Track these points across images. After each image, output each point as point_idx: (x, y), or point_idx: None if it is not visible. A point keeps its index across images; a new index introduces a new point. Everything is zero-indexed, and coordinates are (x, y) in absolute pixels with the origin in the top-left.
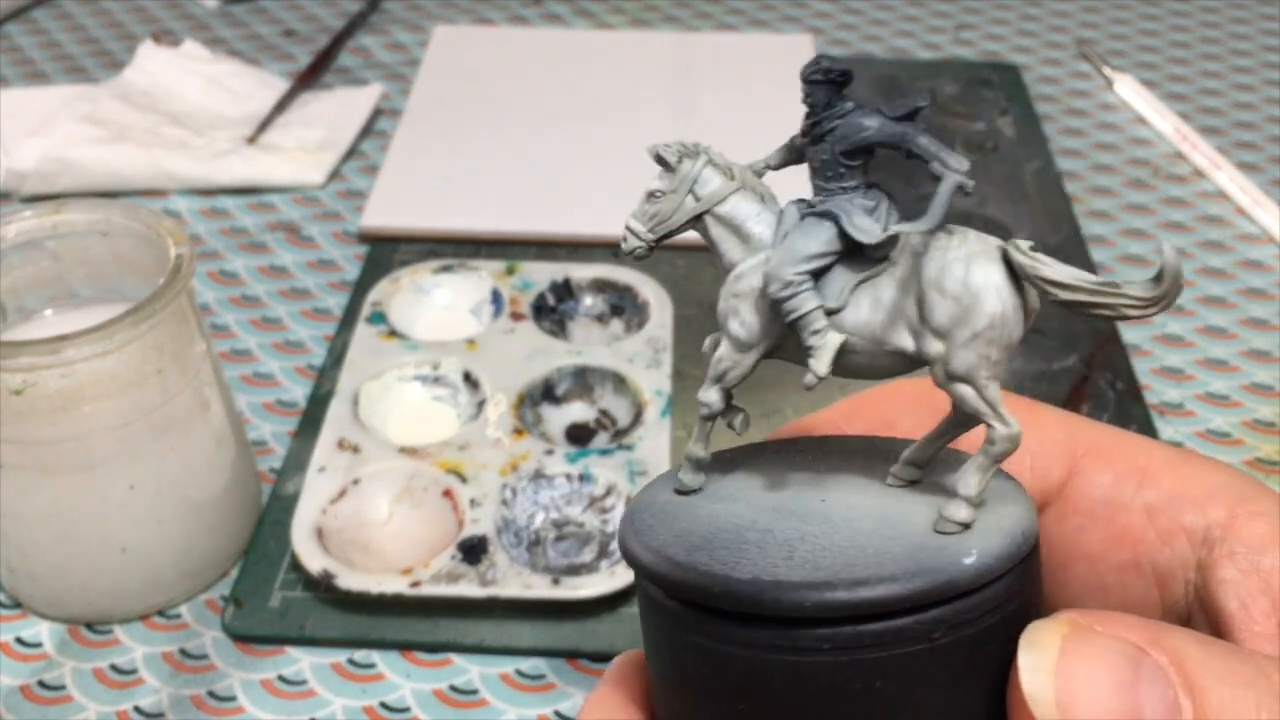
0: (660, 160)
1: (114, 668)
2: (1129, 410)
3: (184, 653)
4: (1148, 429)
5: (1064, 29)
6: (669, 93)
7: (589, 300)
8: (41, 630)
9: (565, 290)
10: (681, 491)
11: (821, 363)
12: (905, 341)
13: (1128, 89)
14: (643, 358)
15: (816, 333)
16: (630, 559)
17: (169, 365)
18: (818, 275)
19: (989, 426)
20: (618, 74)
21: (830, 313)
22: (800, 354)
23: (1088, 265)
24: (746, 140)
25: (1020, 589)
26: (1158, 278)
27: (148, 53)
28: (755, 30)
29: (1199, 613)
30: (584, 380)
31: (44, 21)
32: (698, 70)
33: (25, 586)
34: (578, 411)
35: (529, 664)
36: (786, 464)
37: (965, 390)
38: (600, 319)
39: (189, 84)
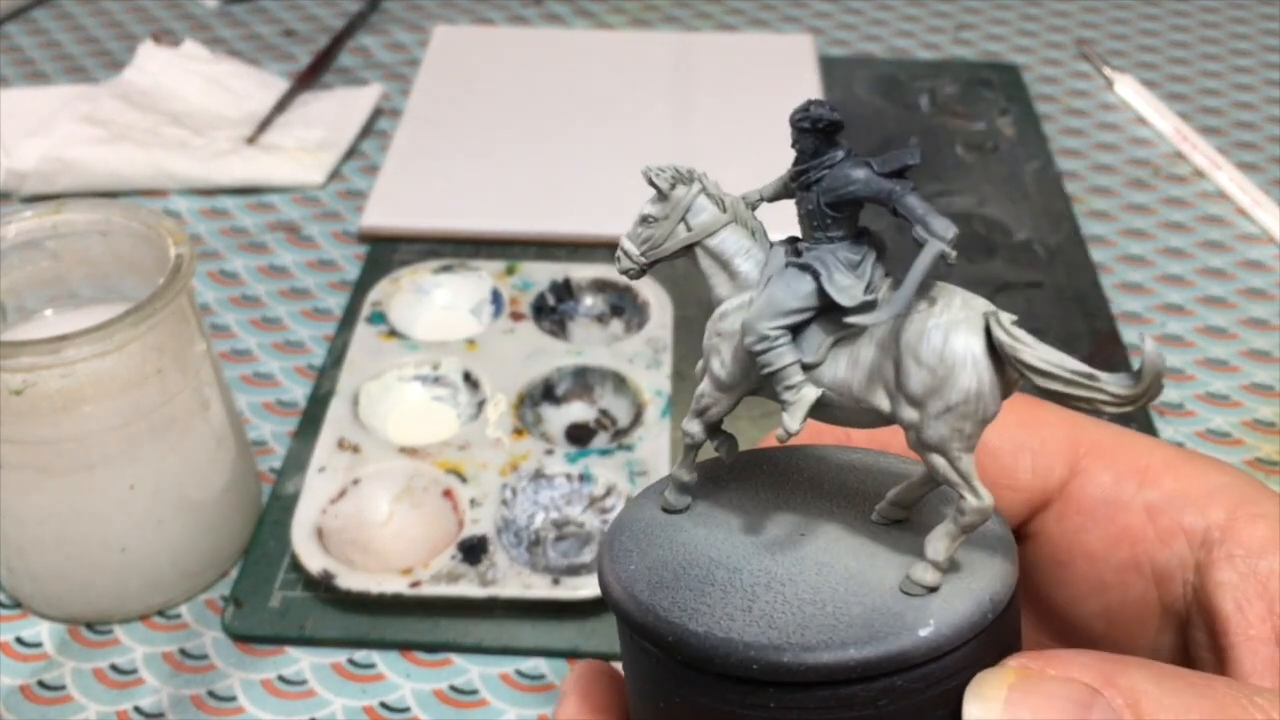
0: (653, 185)
1: (114, 668)
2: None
3: (184, 653)
4: (1148, 429)
5: (1064, 29)
6: (669, 93)
7: (589, 300)
8: (41, 630)
9: (565, 290)
10: (668, 510)
11: (794, 420)
12: (882, 402)
13: (1128, 89)
14: (643, 358)
15: (790, 388)
16: (602, 585)
17: (169, 365)
18: (796, 329)
19: (960, 497)
20: (618, 74)
21: (808, 367)
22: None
23: (1088, 265)
24: (746, 140)
25: (980, 656)
26: (1138, 374)
27: (148, 53)
28: (755, 30)
29: (1196, 613)
30: (584, 380)
31: (44, 21)
32: (698, 70)
33: (25, 586)
34: (578, 411)
35: (529, 664)
36: (778, 485)
37: (937, 460)
38: (600, 319)
39: (189, 84)
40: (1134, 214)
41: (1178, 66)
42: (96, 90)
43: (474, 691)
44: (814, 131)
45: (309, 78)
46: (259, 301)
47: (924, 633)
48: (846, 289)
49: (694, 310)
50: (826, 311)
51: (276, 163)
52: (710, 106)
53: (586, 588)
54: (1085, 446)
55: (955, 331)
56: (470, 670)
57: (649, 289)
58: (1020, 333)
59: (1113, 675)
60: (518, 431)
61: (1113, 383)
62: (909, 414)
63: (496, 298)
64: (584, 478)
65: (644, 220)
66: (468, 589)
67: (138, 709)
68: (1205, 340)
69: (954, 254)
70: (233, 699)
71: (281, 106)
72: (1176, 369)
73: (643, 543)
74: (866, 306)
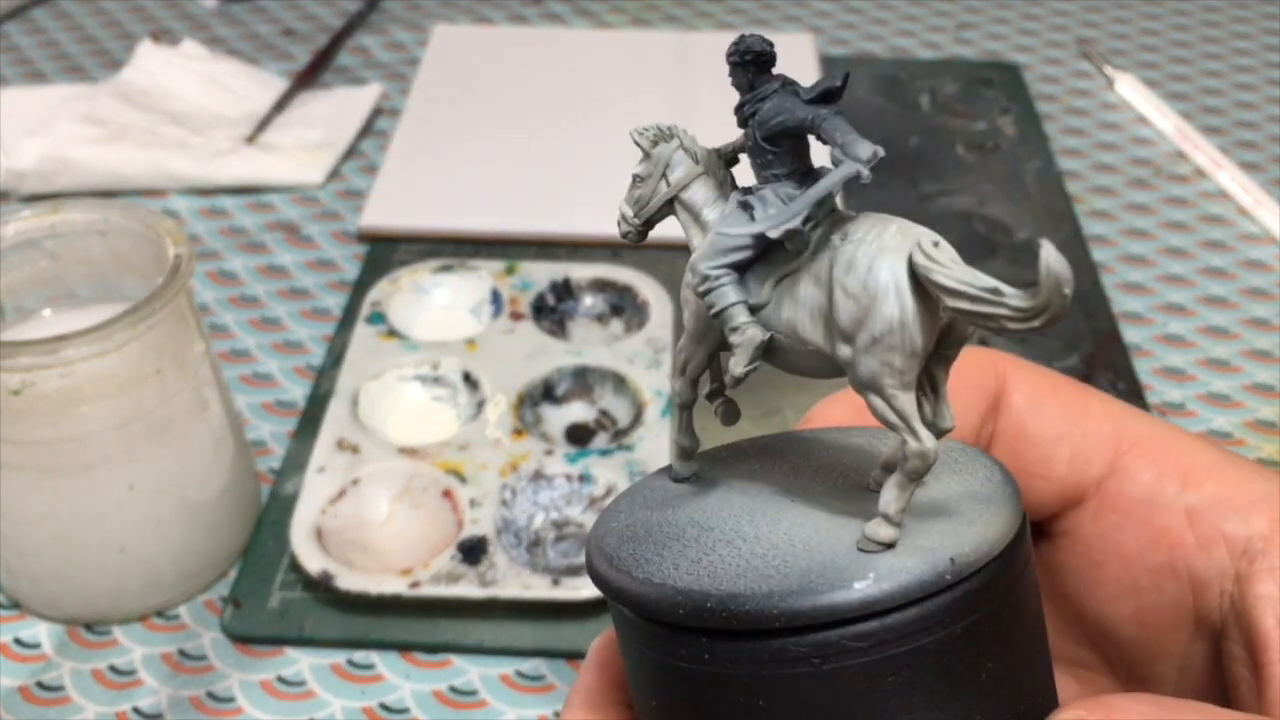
0: (637, 144)
1: (113, 669)
2: None
3: (183, 653)
4: None
5: (1065, 28)
6: (669, 92)
7: (589, 300)
8: (40, 631)
9: (565, 290)
10: (675, 479)
11: (739, 363)
12: (825, 342)
13: (1129, 88)
14: (643, 358)
15: (735, 329)
16: (588, 545)
17: (168, 365)
18: (742, 268)
19: (903, 441)
20: (617, 73)
21: (755, 309)
22: None
23: (1088, 265)
24: None
25: (941, 621)
26: (1036, 286)
27: (146, 52)
28: (756, 30)
29: (1233, 625)
30: (584, 380)
31: (43, 21)
32: (698, 70)
33: (24, 587)
34: (577, 412)
35: (529, 665)
36: (782, 459)
37: (874, 400)
38: (600, 319)
39: (188, 83)
40: (1135, 214)
41: (1179, 66)
42: (95, 90)
43: (474, 692)
44: (744, 65)
45: (308, 77)
46: (258, 301)
47: (859, 585)
48: (771, 217)
49: None
50: (768, 251)
51: (275, 162)
52: (710, 106)
53: (586, 588)
54: (1128, 442)
55: (880, 259)
56: (470, 671)
57: (649, 289)
58: (941, 254)
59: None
60: (517, 432)
61: (1014, 297)
62: (844, 350)
63: (496, 297)
64: (584, 478)
65: (634, 180)
66: (467, 589)
67: (137, 710)
68: (1206, 340)
69: (868, 175)
70: (231, 700)
71: (280, 106)
72: (1177, 369)
73: (636, 504)
74: (790, 236)
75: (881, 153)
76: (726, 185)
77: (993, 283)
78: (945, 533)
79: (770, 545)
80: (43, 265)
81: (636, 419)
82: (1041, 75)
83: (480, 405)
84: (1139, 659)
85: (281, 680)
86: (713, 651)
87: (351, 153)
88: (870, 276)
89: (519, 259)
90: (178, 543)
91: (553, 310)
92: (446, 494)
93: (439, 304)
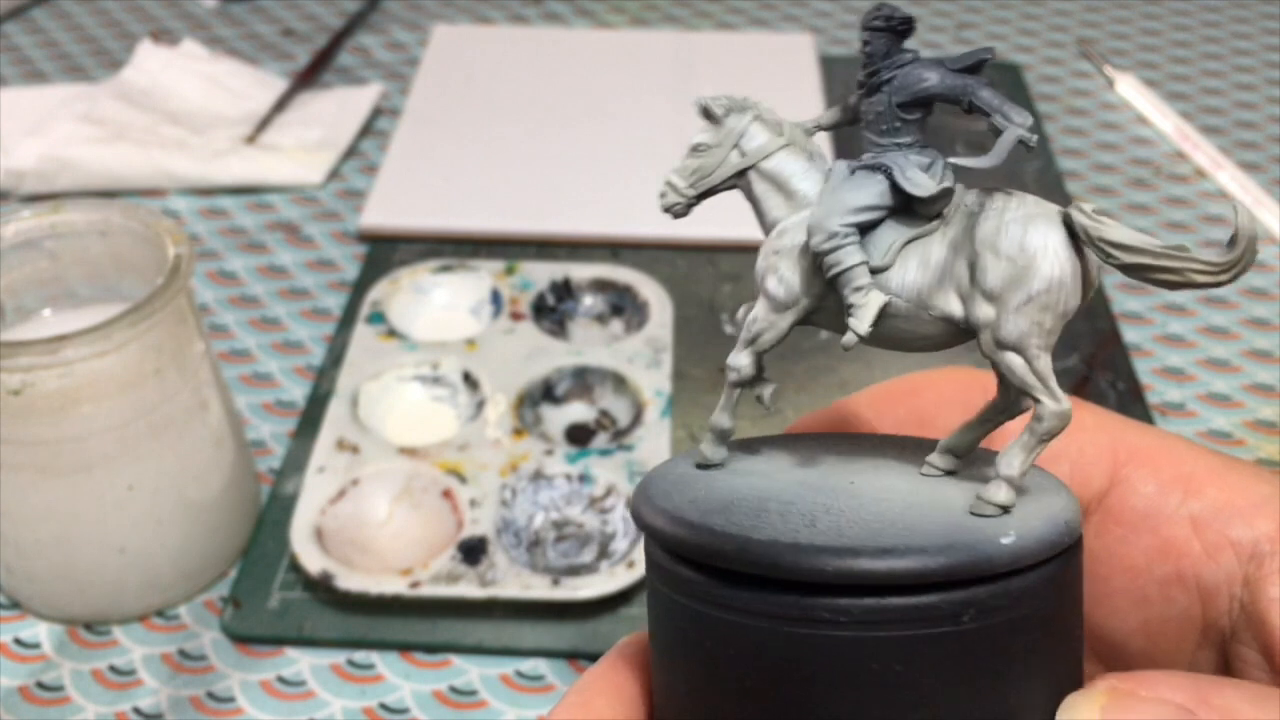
0: (707, 113)
1: (113, 669)
2: (1130, 411)
3: (183, 653)
4: None
5: (1065, 28)
6: (669, 92)
7: (589, 300)
8: (40, 631)
9: (565, 290)
10: (702, 465)
11: (863, 322)
12: (953, 306)
13: (1129, 88)
14: (643, 358)
15: (859, 289)
16: (639, 521)
17: (167, 365)
18: (864, 230)
19: (1036, 402)
20: (618, 73)
21: (874, 271)
22: (838, 319)
23: None
24: None
25: (1059, 584)
26: (1231, 242)
27: (146, 52)
28: (755, 29)
29: (1245, 630)
30: (584, 380)
31: (42, 21)
32: (698, 69)
33: (24, 587)
34: (577, 412)
35: (529, 665)
36: (815, 447)
37: (1014, 360)
38: (600, 319)
39: (188, 83)
40: (1135, 213)
41: (1179, 66)
42: (95, 89)
43: (473, 692)
44: (888, 30)
45: (308, 77)
46: (258, 301)
47: (1006, 541)
48: (921, 183)
49: (694, 310)
50: (896, 213)
51: (275, 162)
52: None
53: (586, 589)
54: (1125, 453)
55: (1034, 223)
56: (470, 671)
57: (649, 289)
58: (1104, 216)
59: (1207, 695)
60: (517, 432)
61: (1206, 252)
62: (985, 311)
63: (496, 297)
64: (584, 478)
65: (695, 150)
66: (467, 590)
67: (136, 710)
68: (1207, 340)
69: (1034, 137)
70: (231, 700)
71: (280, 106)
72: (1177, 369)
73: (680, 487)
74: (943, 196)
75: (1032, 119)
76: (818, 157)
77: (1173, 243)
78: (1046, 502)
79: (877, 513)
80: (43, 265)
81: (636, 419)
82: (1041, 75)
83: (480, 405)
84: (1145, 669)
85: (281, 680)
86: (854, 612)
87: (351, 153)
88: (1027, 238)
89: (519, 259)
90: (177, 543)
91: (553, 310)
92: (446, 494)
93: (439, 304)
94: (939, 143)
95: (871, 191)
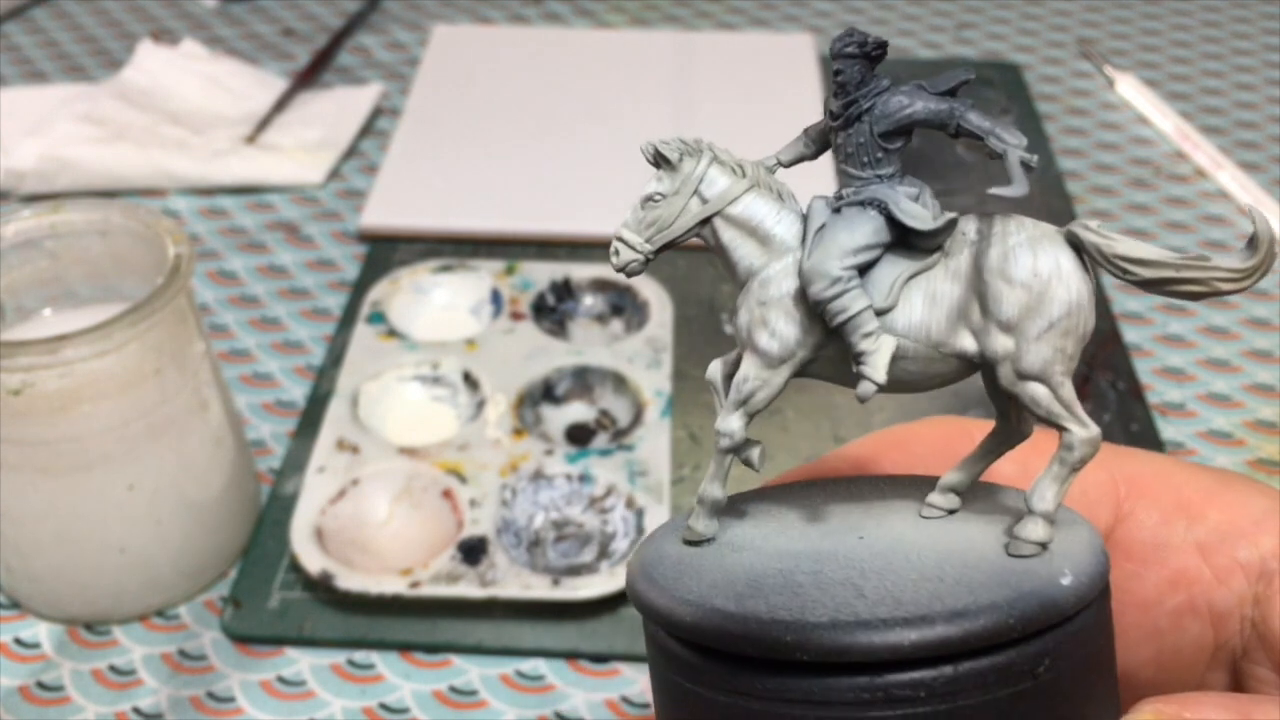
0: (659, 159)
1: (113, 668)
2: (1130, 410)
3: (183, 653)
4: (1149, 429)
5: (1065, 28)
6: (669, 92)
7: (589, 300)
8: (40, 631)
9: (565, 290)
10: (691, 542)
11: (878, 370)
12: (965, 342)
13: (1129, 88)
14: (643, 358)
15: (868, 335)
16: (653, 613)
17: (167, 365)
18: (862, 271)
19: (1064, 430)
20: (617, 73)
21: (880, 313)
22: (837, 368)
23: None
24: (747, 140)
25: (1106, 615)
26: (1251, 245)
27: (146, 52)
28: (755, 29)
29: (1257, 649)
30: (584, 380)
31: (42, 20)
32: (698, 70)
33: (24, 587)
34: (577, 411)
35: (529, 665)
36: (796, 501)
37: (1038, 390)
38: (600, 319)
39: (188, 83)
40: (1135, 213)
41: (1179, 66)
42: (95, 89)
43: (473, 692)
44: (862, 56)
45: (308, 77)
46: (258, 301)
47: (1066, 581)
48: (920, 216)
49: (694, 310)
50: (893, 249)
51: (276, 162)
52: (710, 106)
53: (586, 588)
54: (1124, 485)
55: (1041, 246)
56: (470, 671)
57: (649, 289)
58: (1110, 231)
59: (1250, 712)
60: (517, 432)
61: (1227, 258)
62: (1002, 343)
63: (496, 297)
64: (584, 478)
65: (648, 201)
66: (467, 590)
67: (136, 710)
68: (1207, 340)
69: (1034, 157)
70: (231, 700)
71: (280, 106)
72: (1177, 369)
73: (687, 571)
74: (947, 228)
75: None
76: (788, 196)
77: (1189, 253)
78: (1073, 532)
79: (916, 570)
80: (43, 265)
81: (636, 419)
82: (1042, 75)
83: (480, 405)
84: (1152, 695)
85: (281, 680)
86: (933, 686)
87: (351, 152)
88: (1038, 263)
89: (519, 259)
90: (177, 543)
91: (553, 310)
92: (446, 494)
93: (439, 304)
94: (938, 143)
95: (866, 229)
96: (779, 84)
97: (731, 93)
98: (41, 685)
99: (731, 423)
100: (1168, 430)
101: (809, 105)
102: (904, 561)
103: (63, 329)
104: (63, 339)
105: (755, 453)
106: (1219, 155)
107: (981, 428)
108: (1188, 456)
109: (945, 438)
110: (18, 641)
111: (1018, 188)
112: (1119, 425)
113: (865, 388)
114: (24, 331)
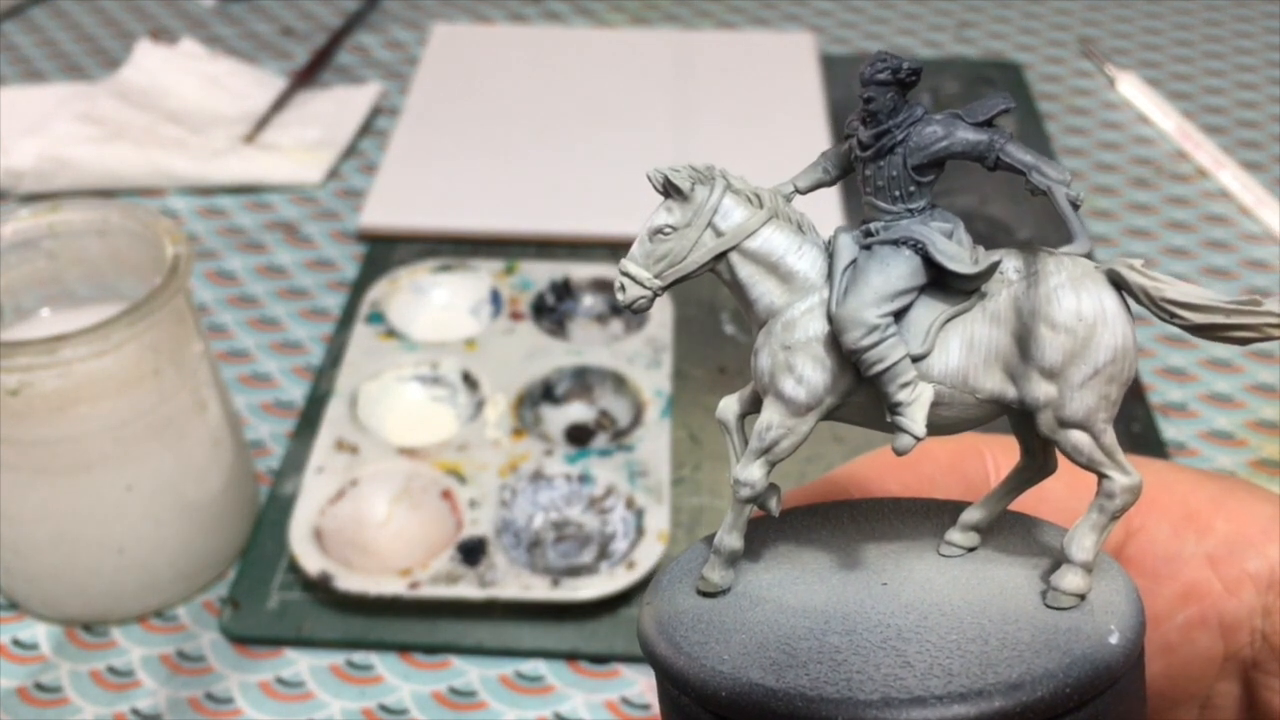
0: (669, 187)
1: (111, 669)
2: (1131, 410)
3: (181, 654)
4: (1150, 429)
5: (1066, 27)
6: (669, 91)
7: (589, 300)
8: (38, 632)
9: (565, 290)
10: (706, 593)
11: (917, 422)
12: (1004, 388)
13: (1130, 88)
14: (643, 358)
15: (906, 385)
16: (689, 686)
17: (166, 365)
18: (897, 316)
19: (1104, 478)
20: (618, 72)
21: (914, 360)
22: (868, 413)
23: None
24: (747, 139)
25: (1143, 665)
26: None
27: (145, 51)
28: (755, 29)
29: (1269, 659)
30: (584, 380)
31: (41, 20)
32: (698, 69)
33: (22, 588)
34: (577, 412)
35: (528, 665)
36: (815, 541)
37: (1080, 438)
38: (600, 319)
39: (186, 82)
40: (1137, 213)
41: (1180, 65)
42: (93, 89)
43: (473, 693)
44: (895, 83)
45: (307, 76)
46: (257, 301)
47: (1114, 641)
48: (960, 258)
49: (694, 310)
50: (928, 290)
51: (274, 162)
52: (711, 105)
53: (586, 589)
54: None
55: (1084, 287)
56: (469, 672)
57: None
58: (1157, 272)
59: None
60: (517, 432)
61: (1277, 303)
62: (1044, 390)
63: (495, 297)
64: (583, 478)
65: (657, 234)
66: (467, 590)
67: (135, 711)
68: (1208, 340)
69: (1080, 194)
70: (230, 701)
71: (279, 105)
72: (1178, 369)
73: (711, 631)
74: (988, 272)
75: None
76: (808, 227)
77: (1236, 297)
78: (1107, 580)
79: (956, 631)
80: (41, 265)
81: (636, 419)
82: (1043, 74)
83: (479, 405)
84: (1160, 707)
85: (280, 681)
86: None
87: (351, 152)
88: (1083, 306)
89: (519, 259)
90: (176, 543)
91: (552, 310)
92: (445, 494)
93: (438, 304)
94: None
95: (902, 271)
96: (779, 83)
97: (732, 92)
98: (40, 686)
99: (753, 472)
100: (1169, 430)
101: (809, 104)
102: (940, 617)
103: (61, 329)
104: (61, 339)
105: (774, 501)
106: (1220, 154)
107: (991, 445)
108: (1189, 457)
109: (955, 456)
110: (16, 642)
111: (1080, 244)
112: (1120, 426)
113: (904, 441)
114: (22, 331)
